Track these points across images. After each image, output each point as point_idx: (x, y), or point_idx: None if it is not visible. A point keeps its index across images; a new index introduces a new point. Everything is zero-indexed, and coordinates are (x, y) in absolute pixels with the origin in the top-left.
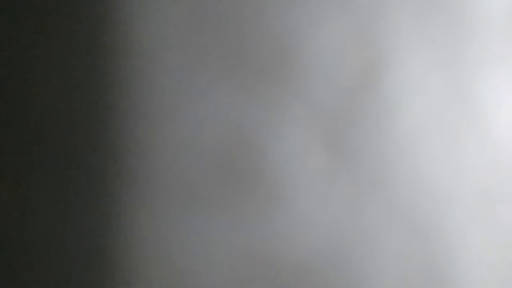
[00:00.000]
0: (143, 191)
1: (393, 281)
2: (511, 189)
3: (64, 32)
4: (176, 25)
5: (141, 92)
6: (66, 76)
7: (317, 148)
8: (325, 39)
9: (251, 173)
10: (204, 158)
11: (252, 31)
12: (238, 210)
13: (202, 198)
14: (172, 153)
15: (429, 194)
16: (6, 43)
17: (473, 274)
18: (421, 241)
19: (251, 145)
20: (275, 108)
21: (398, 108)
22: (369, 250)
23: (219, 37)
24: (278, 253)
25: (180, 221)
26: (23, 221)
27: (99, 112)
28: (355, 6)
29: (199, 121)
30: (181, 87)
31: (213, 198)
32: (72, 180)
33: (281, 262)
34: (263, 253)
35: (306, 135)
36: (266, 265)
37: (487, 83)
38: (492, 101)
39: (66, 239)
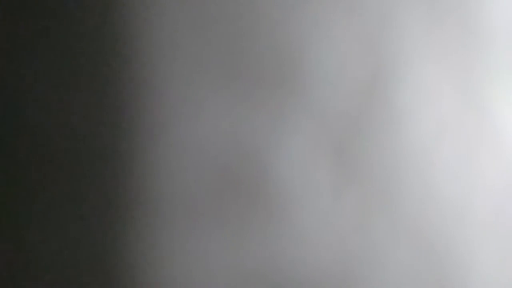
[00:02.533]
0: (140, 205)
1: None
2: None
3: (64, 36)
4: (176, 32)
5: (140, 102)
6: (66, 81)
7: (322, 161)
8: (331, 45)
9: (253, 187)
10: (203, 171)
11: (255, 37)
12: (239, 226)
13: (201, 213)
14: (170, 166)
15: (439, 210)
16: (6, 44)
17: None
18: (432, 260)
19: (252, 157)
20: (278, 118)
21: (408, 118)
22: (377, 268)
23: (219, 43)
24: (281, 271)
25: (178, 237)
26: (24, 226)
27: (95, 123)
28: (362, 11)
29: (198, 132)
30: (180, 97)
31: (213, 213)
32: (69, 194)
33: (284, 280)
34: (265, 271)
35: (310, 147)
36: (268, 283)
37: (500, 92)
38: (506, 112)
39: (65, 252)
